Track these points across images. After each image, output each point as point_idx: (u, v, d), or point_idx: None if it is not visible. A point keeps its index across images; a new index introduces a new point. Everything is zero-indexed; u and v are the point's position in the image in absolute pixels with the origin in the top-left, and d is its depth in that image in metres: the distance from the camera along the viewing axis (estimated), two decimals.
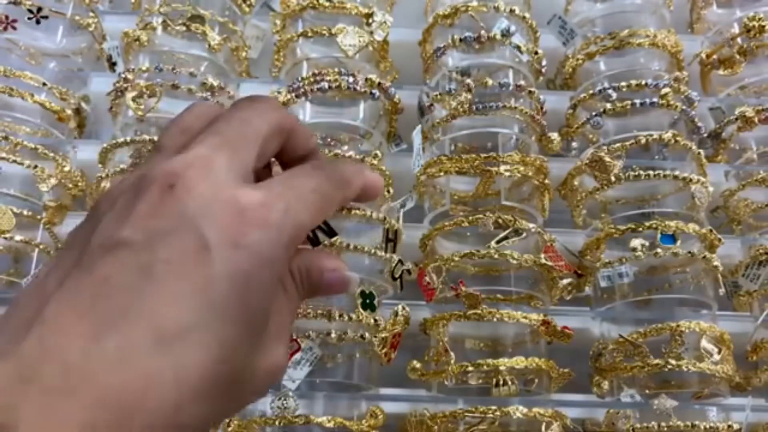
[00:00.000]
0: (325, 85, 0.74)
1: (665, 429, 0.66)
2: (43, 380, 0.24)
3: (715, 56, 0.84)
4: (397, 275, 0.66)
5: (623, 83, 0.76)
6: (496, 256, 0.69)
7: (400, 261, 0.68)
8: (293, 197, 0.30)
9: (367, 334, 0.66)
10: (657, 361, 0.68)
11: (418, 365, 0.69)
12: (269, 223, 0.28)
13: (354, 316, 0.65)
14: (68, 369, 0.24)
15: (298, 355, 0.65)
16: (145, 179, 0.28)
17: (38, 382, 0.24)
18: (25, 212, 0.73)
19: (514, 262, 0.69)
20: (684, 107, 0.77)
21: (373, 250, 0.67)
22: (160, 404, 0.25)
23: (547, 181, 0.74)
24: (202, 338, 0.26)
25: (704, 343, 0.69)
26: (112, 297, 0.25)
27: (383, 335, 0.66)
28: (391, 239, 0.65)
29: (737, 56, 0.82)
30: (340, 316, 0.64)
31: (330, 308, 0.65)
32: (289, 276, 0.32)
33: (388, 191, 0.75)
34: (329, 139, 0.78)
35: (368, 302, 0.66)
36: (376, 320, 0.66)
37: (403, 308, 0.68)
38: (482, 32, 0.76)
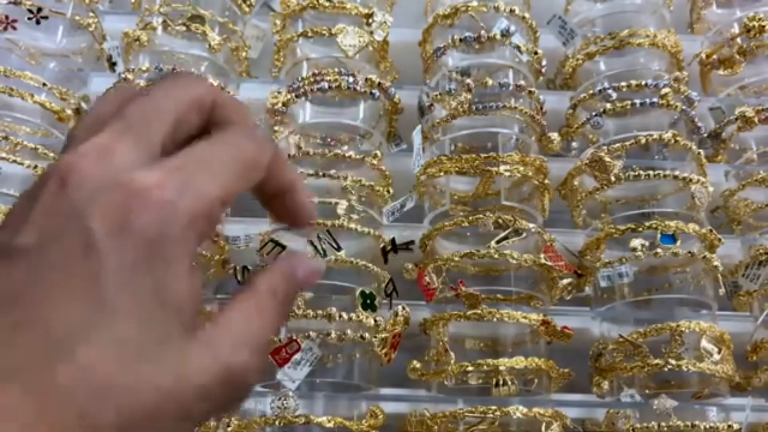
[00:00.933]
0: (325, 85, 0.74)
1: (665, 429, 0.66)
2: None
3: (715, 56, 0.84)
4: (388, 292, 0.68)
5: (623, 83, 0.76)
6: (496, 256, 0.69)
7: (391, 280, 0.69)
8: (195, 168, 0.27)
9: (366, 335, 0.66)
10: (657, 361, 0.68)
11: (418, 365, 0.70)
12: (161, 202, 0.26)
13: (354, 317, 0.65)
14: None
15: (298, 355, 0.65)
16: (43, 178, 0.27)
17: None
18: None
19: (514, 262, 0.69)
20: (684, 107, 0.77)
21: (367, 264, 0.68)
22: (61, 416, 0.23)
23: (547, 181, 0.74)
24: (97, 339, 0.24)
25: (704, 343, 0.69)
26: (6, 312, 0.24)
27: (383, 335, 0.66)
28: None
29: (737, 56, 0.82)
30: (340, 316, 0.64)
31: (330, 309, 0.65)
32: (257, 287, 0.31)
33: (388, 191, 0.75)
34: (329, 139, 0.78)
35: (368, 302, 0.66)
36: (376, 321, 0.66)
37: (403, 308, 0.68)
38: (482, 32, 0.76)
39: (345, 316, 0.64)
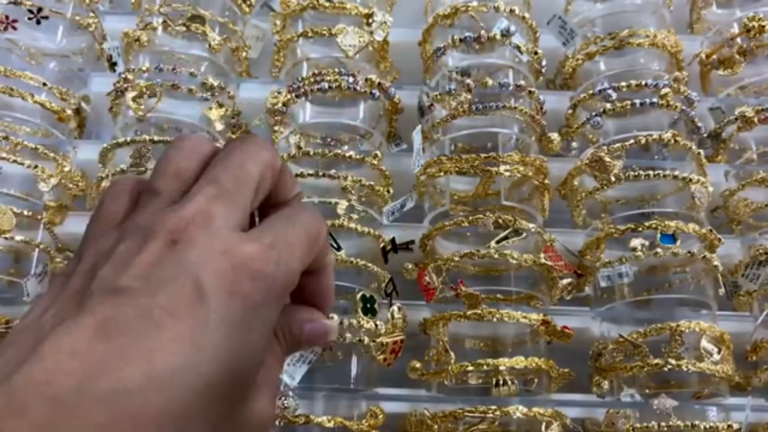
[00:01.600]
0: (325, 85, 0.74)
1: (665, 429, 0.66)
2: (32, 415, 0.24)
3: (714, 56, 0.84)
4: (388, 292, 0.68)
5: (623, 83, 0.76)
6: (496, 256, 0.69)
7: (391, 279, 0.69)
8: (284, 247, 0.31)
9: (366, 339, 0.66)
10: (657, 360, 0.68)
11: (418, 365, 0.70)
12: (264, 275, 0.29)
13: (354, 321, 0.65)
14: (59, 405, 0.24)
15: (297, 354, 0.65)
16: (149, 232, 0.29)
17: (27, 416, 0.24)
18: (25, 212, 0.73)
19: (514, 262, 0.69)
20: (684, 107, 0.77)
21: (367, 264, 0.68)
22: None
23: (547, 181, 0.74)
24: (190, 381, 0.27)
25: (704, 343, 0.69)
26: (110, 339, 0.26)
27: (383, 340, 0.66)
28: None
29: (737, 56, 0.82)
30: (341, 323, 0.64)
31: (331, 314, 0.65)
32: (277, 329, 0.34)
33: (388, 191, 0.75)
34: (329, 139, 0.78)
35: (368, 307, 0.66)
36: (376, 325, 0.66)
37: (399, 309, 0.68)
38: (482, 32, 0.76)
39: (345, 321, 0.64)
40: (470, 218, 0.70)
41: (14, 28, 0.78)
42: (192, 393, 0.27)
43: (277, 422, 0.65)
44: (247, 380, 0.30)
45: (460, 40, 0.76)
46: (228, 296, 0.28)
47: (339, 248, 0.66)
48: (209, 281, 0.28)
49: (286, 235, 0.32)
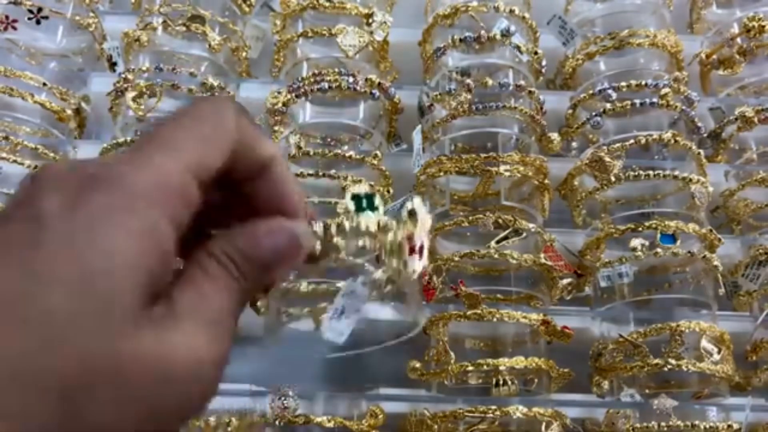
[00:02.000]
0: (325, 85, 0.74)
1: (665, 429, 0.66)
2: None
3: (714, 56, 0.84)
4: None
5: (623, 83, 0.76)
6: (496, 256, 0.69)
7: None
8: (154, 148, 0.27)
9: (368, 242, 0.41)
10: (657, 360, 0.68)
11: (418, 365, 0.69)
12: (113, 177, 0.26)
13: (346, 223, 0.39)
14: None
15: (336, 305, 0.45)
16: None
17: None
18: None
19: (514, 262, 0.69)
20: (684, 107, 0.77)
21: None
22: None
23: (547, 181, 0.74)
24: (24, 311, 0.24)
25: (704, 343, 0.69)
26: None
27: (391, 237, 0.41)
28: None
29: (737, 56, 0.82)
30: (324, 226, 0.36)
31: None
32: (207, 259, 0.28)
33: (388, 191, 0.75)
34: (329, 139, 0.78)
35: (364, 204, 0.42)
36: (380, 222, 0.41)
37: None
38: (482, 32, 0.76)
39: (330, 222, 0.37)
40: (470, 218, 0.70)
41: (14, 28, 0.78)
42: (21, 326, 0.23)
43: (276, 422, 0.65)
44: (112, 301, 0.24)
45: (460, 40, 0.76)
46: (67, 211, 0.25)
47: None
48: (48, 202, 0.25)
49: (162, 139, 0.27)
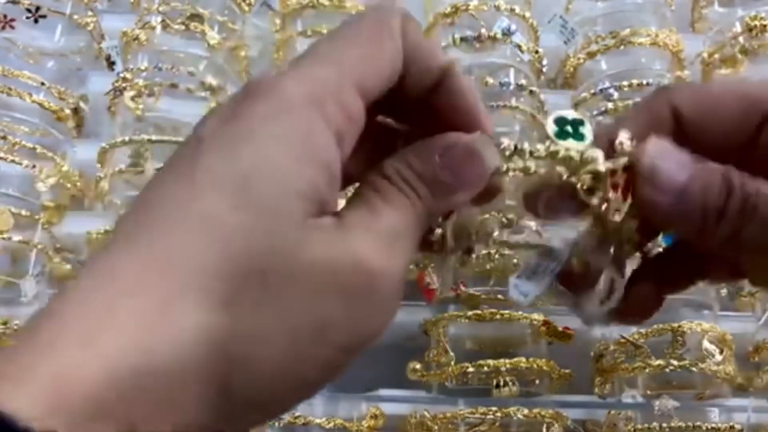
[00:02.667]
0: None
1: (667, 430, 0.66)
2: None
3: (716, 55, 0.84)
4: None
5: (624, 83, 0.76)
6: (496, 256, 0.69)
7: None
8: (311, 61, 0.26)
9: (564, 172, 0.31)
10: (659, 361, 0.68)
11: (418, 366, 0.69)
12: (271, 88, 0.25)
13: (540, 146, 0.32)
14: None
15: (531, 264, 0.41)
16: None
17: None
18: (23, 212, 0.73)
19: (515, 261, 0.69)
20: None
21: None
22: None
23: None
24: (185, 215, 0.24)
25: (706, 344, 0.69)
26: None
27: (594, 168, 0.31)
28: None
29: (739, 55, 0.81)
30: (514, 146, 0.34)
31: None
32: (380, 180, 0.27)
33: None
34: None
35: (568, 130, 0.33)
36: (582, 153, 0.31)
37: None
38: (483, 31, 0.76)
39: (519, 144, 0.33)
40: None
41: (12, 27, 0.78)
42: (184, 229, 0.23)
43: (275, 423, 0.65)
44: (278, 210, 0.23)
45: (461, 39, 0.76)
46: (226, 123, 0.25)
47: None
48: (212, 120, 0.26)
49: (318, 54, 0.26)
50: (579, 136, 0.31)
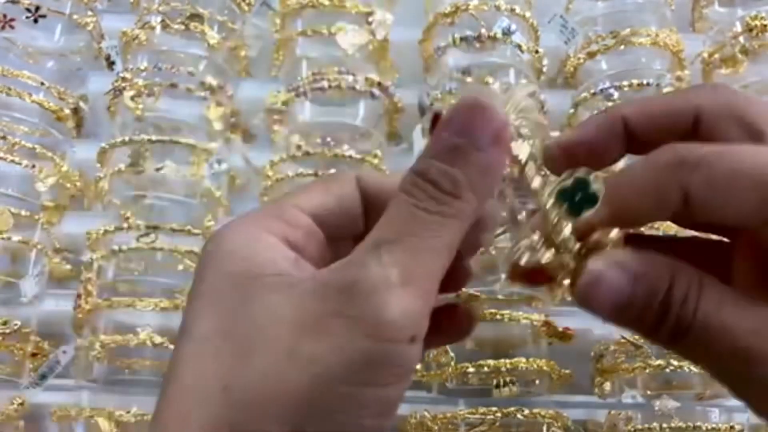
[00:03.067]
0: (325, 84, 0.74)
1: (667, 430, 0.66)
2: None
3: (716, 55, 0.83)
4: None
5: (625, 82, 0.75)
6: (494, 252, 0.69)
7: None
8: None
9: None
10: (659, 362, 0.67)
11: (418, 366, 0.69)
12: None
13: None
14: None
15: None
16: None
17: None
18: (22, 212, 0.73)
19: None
20: None
21: None
22: None
23: None
24: None
25: None
26: None
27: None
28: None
29: (739, 55, 0.81)
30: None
31: None
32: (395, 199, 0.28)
33: None
34: (329, 139, 0.78)
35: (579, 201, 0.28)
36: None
37: None
38: (483, 31, 0.76)
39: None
40: None
41: (12, 27, 0.78)
42: None
43: None
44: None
45: (461, 38, 0.76)
46: None
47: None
48: None
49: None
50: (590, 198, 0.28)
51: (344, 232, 0.32)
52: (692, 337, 0.26)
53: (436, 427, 0.66)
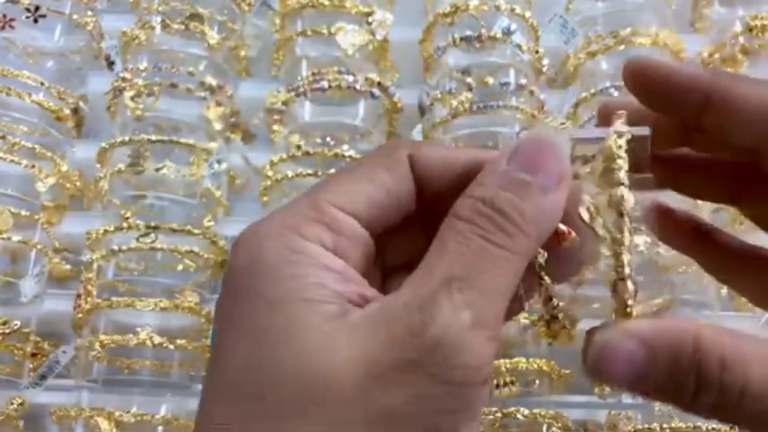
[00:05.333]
0: (325, 84, 0.74)
1: (667, 430, 0.66)
2: None
3: (717, 55, 0.83)
4: None
5: None
6: None
7: None
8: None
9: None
10: None
11: None
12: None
13: None
14: None
15: None
16: None
17: None
18: (22, 212, 0.73)
19: None
20: None
21: None
22: None
23: None
24: None
25: None
26: None
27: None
28: None
29: (739, 55, 0.81)
30: None
31: None
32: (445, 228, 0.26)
33: None
34: (329, 139, 0.78)
35: None
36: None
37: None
38: (483, 31, 0.76)
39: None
40: None
41: (12, 27, 0.78)
42: None
43: None
44: None
45: (461, 38, 0.76)
46: None
47: None
48: None
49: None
50: None
51: (392, 221, 0.29)
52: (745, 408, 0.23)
53: None
